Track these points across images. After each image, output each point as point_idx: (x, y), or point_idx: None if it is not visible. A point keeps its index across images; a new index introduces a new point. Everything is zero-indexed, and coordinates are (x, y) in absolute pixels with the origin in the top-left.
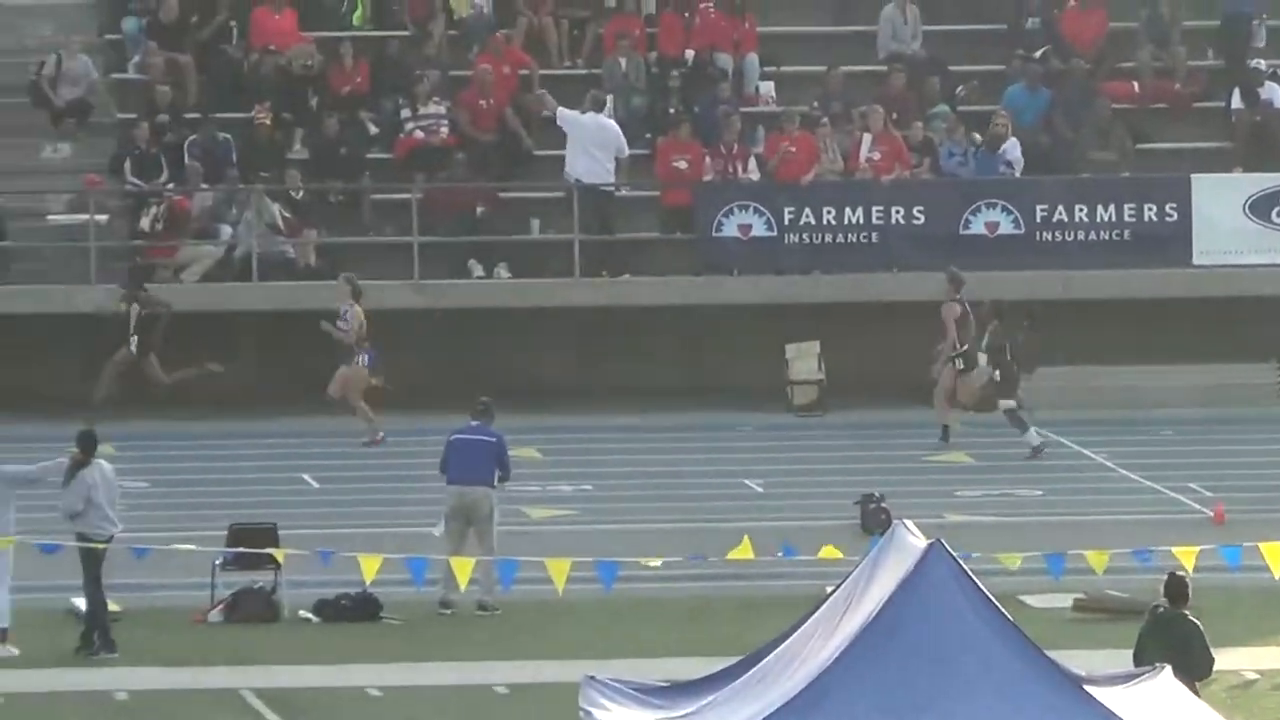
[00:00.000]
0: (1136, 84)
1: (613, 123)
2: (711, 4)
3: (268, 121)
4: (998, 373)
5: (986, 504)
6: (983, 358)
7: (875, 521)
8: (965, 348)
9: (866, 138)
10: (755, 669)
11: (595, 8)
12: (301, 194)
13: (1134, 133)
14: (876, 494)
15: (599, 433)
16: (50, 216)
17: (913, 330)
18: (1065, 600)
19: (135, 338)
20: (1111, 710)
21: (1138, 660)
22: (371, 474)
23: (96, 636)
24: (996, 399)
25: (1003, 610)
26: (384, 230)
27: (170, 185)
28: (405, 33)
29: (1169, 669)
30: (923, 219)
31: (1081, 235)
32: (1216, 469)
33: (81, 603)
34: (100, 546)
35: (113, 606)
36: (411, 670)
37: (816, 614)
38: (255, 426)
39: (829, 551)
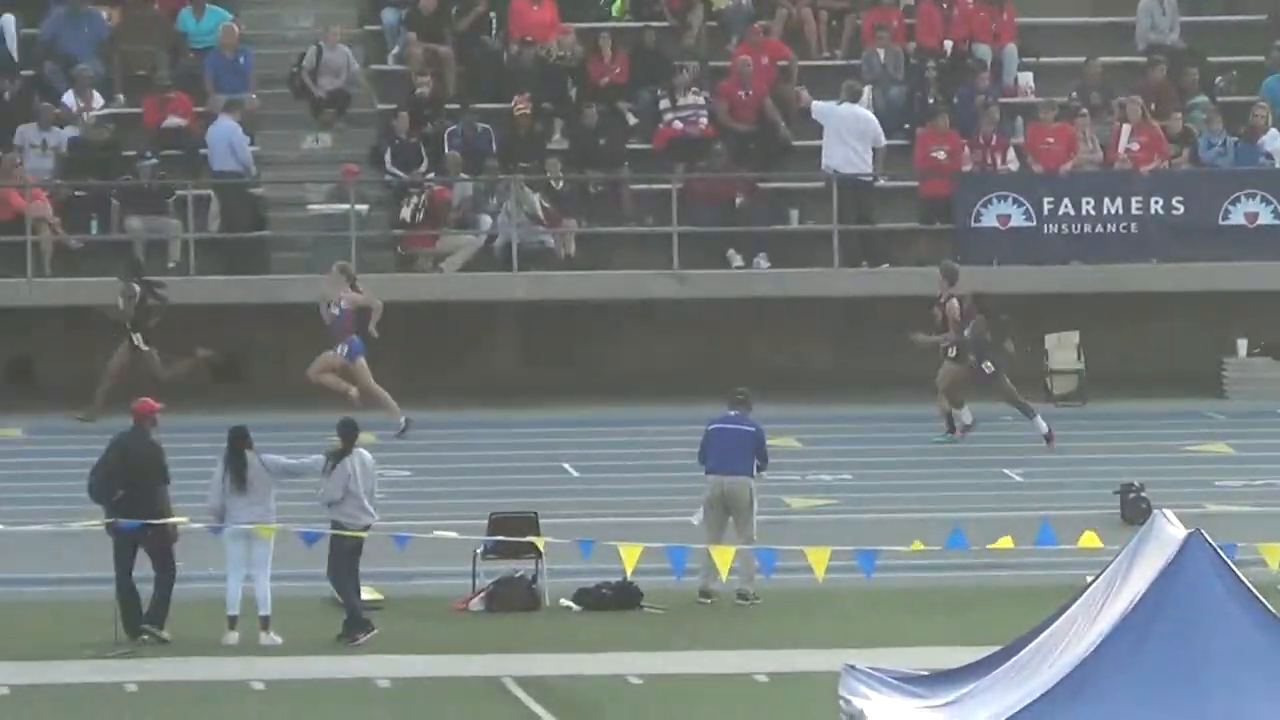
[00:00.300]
0: None
1: (869, 113)
2: None
3: (527, 112)
4: (988, 365)
5: (1247, 494)
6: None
7: (1135, 511)
8: (956, 338)
9: (1125, 128)
10: (1015, 658)
11: None
12: (561, 184)
13: None
14: (1136, 484)
15: (858, 422)
16: (311, 206)
17: (1173, 320)
18: None
19: (137, 334)
20: None
21: None
22: (631, 463)
23: (354, 624)
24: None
25: (1264, 601)
26: (644, 220)
27: (430, 175)
28: (664, 24)
29: None
30: (1182, 209)
31: None
32: None
33: None
34: (354, 536)
35: (374, 594)
36: (672, 659)
37: (1076, 604)
38: (515, 415)
39: (1088, 539)
